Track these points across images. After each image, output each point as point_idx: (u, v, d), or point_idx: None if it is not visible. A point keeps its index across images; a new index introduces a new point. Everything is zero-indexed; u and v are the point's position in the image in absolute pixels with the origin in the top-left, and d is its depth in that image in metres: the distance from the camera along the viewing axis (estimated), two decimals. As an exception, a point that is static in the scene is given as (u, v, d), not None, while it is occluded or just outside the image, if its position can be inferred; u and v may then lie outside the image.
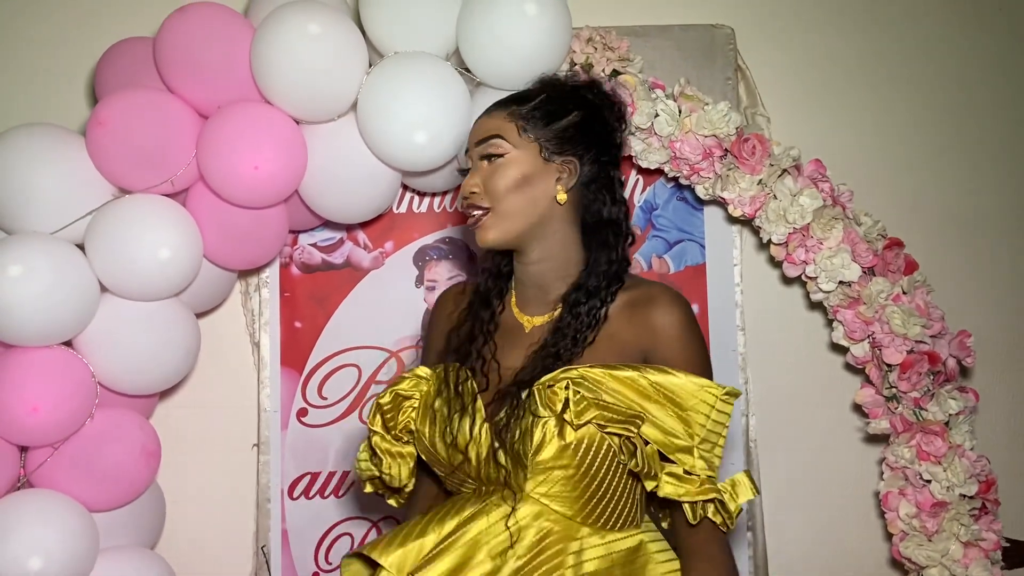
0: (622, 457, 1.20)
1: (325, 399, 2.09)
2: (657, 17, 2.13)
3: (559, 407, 1.17)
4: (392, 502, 1.43)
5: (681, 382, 1.19)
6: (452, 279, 2.12)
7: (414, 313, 2.12)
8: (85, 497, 1.69)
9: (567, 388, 1.17)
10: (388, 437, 1.32)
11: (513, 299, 1.36)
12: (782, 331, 2.16)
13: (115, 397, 1.75)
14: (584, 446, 1.18)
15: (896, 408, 1.92)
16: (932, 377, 1.89)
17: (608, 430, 1.18)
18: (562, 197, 1.28)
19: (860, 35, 2.22)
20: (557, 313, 1.29)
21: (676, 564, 1.26)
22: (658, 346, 1.24)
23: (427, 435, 1.28)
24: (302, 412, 2.08)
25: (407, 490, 1.38)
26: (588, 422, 1.17)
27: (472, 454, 1.24)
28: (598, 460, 1.19)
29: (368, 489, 1.41)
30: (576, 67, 1.91)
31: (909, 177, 2.19)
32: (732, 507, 1.20)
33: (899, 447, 1.90)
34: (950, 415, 1.88)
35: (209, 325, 1.99)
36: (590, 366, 1.21)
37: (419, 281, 2.12)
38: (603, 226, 1.31)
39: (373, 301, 2.11)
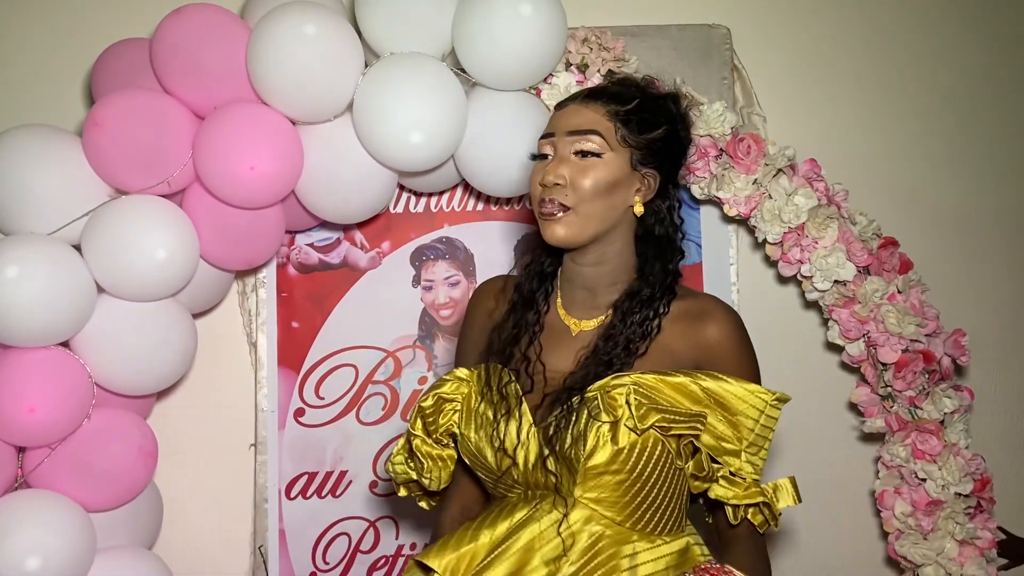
0: (679, 462, 1.21)
1: (322, 399, 2.09)
2: (653, 17, 2.13)
3: (620, 412, 1.17)
4: (424, 504, 1.42)
5: (732, 388, 1.21)
6: (449, 279, 2.12)
7: (411, 313, 2.12)
8: (82, 497, 1.70)
9: (628, 393, 1.17)
10: (429, 440, 1.31)
11: (559, 300, 1.34)
12: (778, 330, 2.16)
13: (112, 397, 1.76)
14: (637, 451, 1.18)
15: (891, 407, 1.93)
16: (927, 376, 1.89)
17: (672, 432, 1.18)
18: (639, 210, 1.28)
19: (857, 35, 2.22)
20: (607, 318, 1.29)
21: None
22: (712, 359, 1.25)
23: (473, 439, 1.27)
24: (299, 412, 2.08)
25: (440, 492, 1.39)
26: (651, 425, 1.17)
27: (520, 458, 1.23)
28: (650, 466, 1.20)
29: (403, 492, 1.40)
30: (572, 67, 1.91)
31: (904, 176, 2.20)
32: (776, 509, 1.22)
33: (894, 446, 1.91)
34: (945, 414, 1.88)
35: (206, 325, 1.99)
36: (642, 373, 1.21)
37: (416, 281, 2.12)
38: (657, 241, 1.30)
39: (370, 301, 2.11)
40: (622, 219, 1.29)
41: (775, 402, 1.22)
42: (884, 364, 1.91)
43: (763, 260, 2.11)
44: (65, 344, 1.71)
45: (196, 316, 1.89)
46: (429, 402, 1.30)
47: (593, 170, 1.25)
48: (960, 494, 1.87)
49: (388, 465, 1.37)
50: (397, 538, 2.09)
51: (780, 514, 1.23)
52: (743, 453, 1.21)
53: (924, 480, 1.88)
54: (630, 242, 1.31)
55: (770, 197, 1.93)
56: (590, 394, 1.20)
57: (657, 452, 1.20)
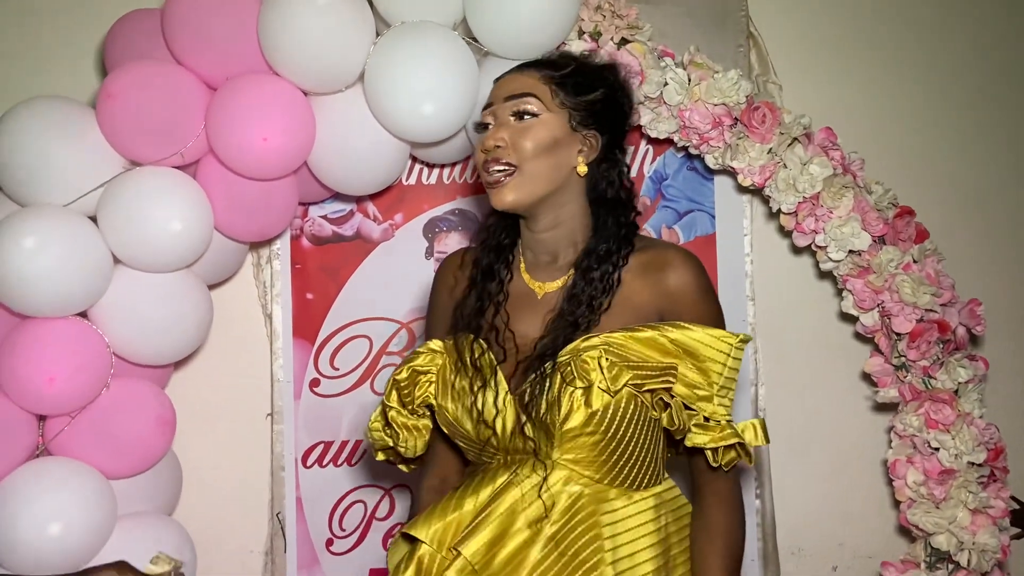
0: (653, 413, 1.24)
1: (337, 369, 2.11)
2: (668, -16, 2.11)
3: (593, 376, 1.20)
4: (403, 468, 1.46)
5: (699, 335, 1.23)
6: (462, 250, 2.12)
7: (424, 285, 2.09)
8: (102, 465, 1.73)
9: (599, 356, 1.20)
10: (404, 412, 1.34)
11: (522, 265, 1.36)
12: (792, 301, 2.16)
13: (130, 367, 1.78)
14: (611, 411, 1.21)
15: (905, 377, 1.92)
16: (941, 346, 1.88)
17: (646, 388, 1.21)
18: (582, 169, 1.29)
19: (873, 2, 2.19)
20: (569, 278, 1.30)
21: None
22: (675, 307, 1.27)
23: (451, 411, 1.29)
24: (314, 382, 2.11)
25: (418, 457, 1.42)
26: (624, 385, 1.20)
27: (498, 427, 1.26)
28: (624, 424, 1.22)
29: (380, 457, 1.43)
30: (584, 35, 1.89)
31: (921, 144, 2.17)
32: (748, 446, 1.25)
33: (907, 415, 1.91)
34: (959, 383, 1.88)
35: (222, 297, 2.01)
36: (611, 332, 1.23)
37: (429, 253, 2.13)
38: (611, 203, 1.32)
39: (383, 273, 2.12)
40: (569, 180, 1.30)
41: (739, 344, 1.24)
42: (898, 334, 1.90)
43: (777, 230, 2.10)
44: (83, 315, 1.73)
45: (211, 287, 1.91)
46: (404, 375, 1.32)
47: (532, 129, 1.27)
48: (973, 463, 1.86)
49: (366, 431, 1.40)
50: (412, 505, 2.11)
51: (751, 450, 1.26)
52: (715, 397, 1.24)
53: (937, 449, 1.88)
54: (584, 205, 1.32)
55: (785, 166, 1.92)
56: (562, 359, 1.23)
57: (631, 410, 1.22)
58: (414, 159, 2.04)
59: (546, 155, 1.27)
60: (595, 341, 1.22)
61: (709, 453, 1.26)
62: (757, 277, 2.14)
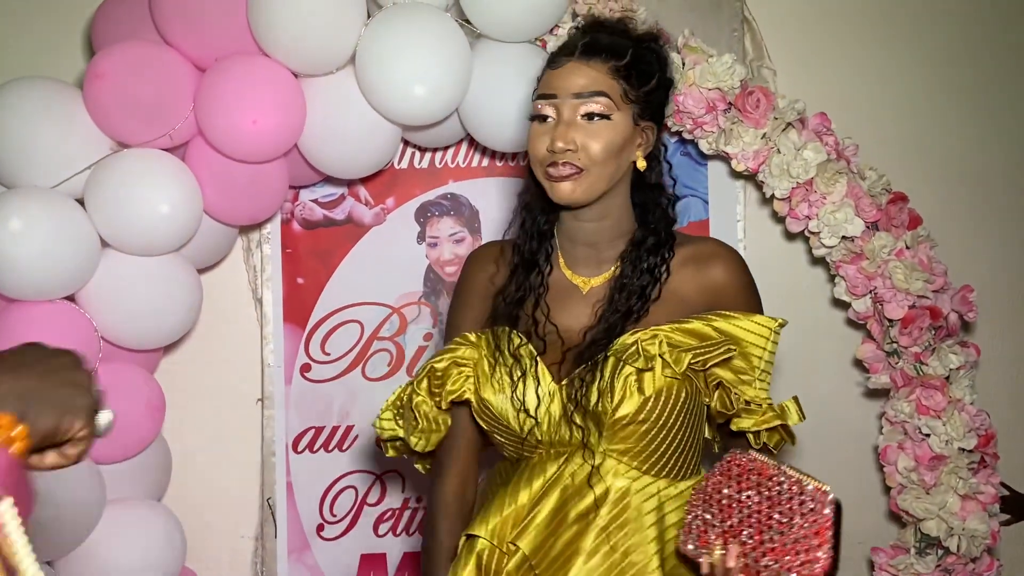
0: (705, 399, 1.26)
1: (328, 355, 2.10)
2: (663, -33, 2.09)
3: (652, 361, 1.20)
4: (419, 466, 1.43)
5: (742, 323, 1.25)
6: (453, 235, 2.11)
7: (416, 269, 2.11)
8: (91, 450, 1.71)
9: (660, 341, 1.20)
10: (431, 402, 1.31)
11: (561, 260, 1.33)
12: (784, 287, 2.15)
13: (119, 351, 1.76)
14: (663, 398, 1.21)
15: (896, 363, 1.93)
16: (933, 332, 1.88)
17: (709, 364, 1.22)
18: (642, 164, 1.27)
19: (869, -13, 2.18)
20: (616, 270, 1.29)
21: None
22: (721, 300, 1.27)
23: (494, 404, 1.27)
24: (305, 367, 2.09)
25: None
26: (688, 366, 1.20)
27: (543, 418, 1.24)
28: (674, 412, 1.22)
29: (391, 453, 1.40)
30: (578, 19, 1.87)
31: (915, 131, 2.16)
32: (791, 427, 1.29)
33: (899, 401, 1.91)
34: (951, 370, 1.88)
35: (211, 281, 1.99)
36: (656, 326, 1.23)
37: (421, 237, 2.12)
38: (654, 190, 1.31)
39: (375, 257, 2.10)
40: (625, 174, 1.29)
41: (778, 328, 1.28)
42: (890, 320, 1.90)
43: (771, 216, 2.09)
44: (71, 298, 1.71)
45: (201, 271, 1.89)
46: (443, 364, 1.29)
47: (603, 133, 1.22)
48: (964, 449, 1.87)
49: (376, 421, 1.38)
50: (403, 491, 2.11)
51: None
52: (756, 382, 1.26)
53: (928, 435, 1.89)
54: (628, 193, 1.31)
55: (779, 151, 1.91)
56: (617, 346, 1.22)
57: (682, 397, 1.22)
58: (406, 143, 2.02)
59: (614, 157, 1.24)
60: (643, 335, 1.21)
61: (751, 436, 1.28)
62: (750, 263, 2.08)
